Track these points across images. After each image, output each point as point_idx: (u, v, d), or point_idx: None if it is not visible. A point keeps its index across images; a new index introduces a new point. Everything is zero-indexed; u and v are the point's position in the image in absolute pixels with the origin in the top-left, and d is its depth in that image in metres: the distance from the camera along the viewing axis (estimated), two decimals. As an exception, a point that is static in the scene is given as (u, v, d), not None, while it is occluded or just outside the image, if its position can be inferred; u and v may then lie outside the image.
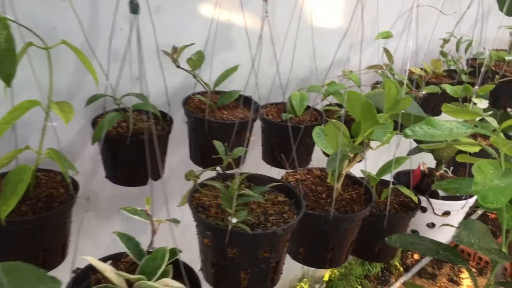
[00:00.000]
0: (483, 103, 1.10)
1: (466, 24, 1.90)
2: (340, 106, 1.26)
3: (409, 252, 2.20)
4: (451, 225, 1.02)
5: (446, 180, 0.73)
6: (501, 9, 1.43)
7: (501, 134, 0.65)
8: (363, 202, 0.78)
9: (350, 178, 0.84)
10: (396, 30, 1.62)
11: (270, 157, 1.07)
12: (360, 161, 0.80)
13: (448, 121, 0.62)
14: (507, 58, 1.20)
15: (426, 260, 2.21)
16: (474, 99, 1.11)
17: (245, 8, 1.17)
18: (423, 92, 1.33)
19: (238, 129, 0.91)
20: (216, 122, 0.86)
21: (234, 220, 0.55)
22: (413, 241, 0.71)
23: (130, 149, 0.75)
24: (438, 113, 1.50)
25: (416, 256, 2.24)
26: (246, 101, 0.99)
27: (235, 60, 1.13)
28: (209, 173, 0.73)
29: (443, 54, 1.66)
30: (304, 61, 1.39)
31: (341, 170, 0.76)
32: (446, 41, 1.65)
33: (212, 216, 0.61)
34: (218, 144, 0.70)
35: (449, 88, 1.15)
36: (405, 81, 1.34)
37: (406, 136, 0.61)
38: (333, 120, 0.84)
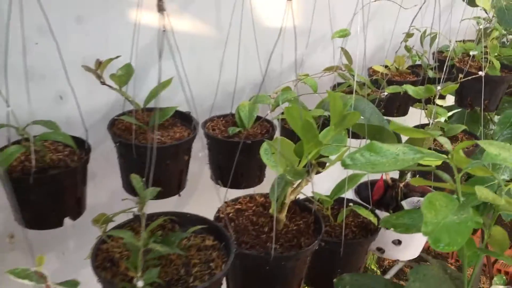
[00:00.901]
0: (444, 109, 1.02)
1: (431, 16, 1.83)
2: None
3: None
4: (418, 242, 0.93)
5: (395, 214, 0.63)
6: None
7: (460, 153, 0.55)
8: (312, 233, 0.68)
9: (298, 204, 0.74)
10: (356, 27, 1.53)
11: (219, 177, 0.97)
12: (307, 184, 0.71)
13: (394, 145, 0.52)
14: (471, 52, 1.12)
15: (404, 261, 2.14)
16: (437, 100, 1.02)
17: (185, 12, 1.06)
18: (386, 93, 1.24)
19: (174, 151, 0.81)
20: (144, 146, 0.75)
21: (140, 284, 0.45)
22: (365, 283, 0.61)
23: (36, 187, 0.64)
24: (405, 113, 1.41)
25: (393, 257, 2.17)
26: (185, 117, 0.88)
27: (175, 70, 1.03)
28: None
29: (407, 49, 1.57)
30: (258, 65, 1.29)
31: (283, 198, 0.66)
32: (409, 35, 1.56)
33: (122, 274, 0.51)
34: (135, 180, 0.59)
35: (411, 89, 1.06)
36: (366, 81, 1.26)
37: (345, 165, 0.51)
38: (278, 137, 0.74)
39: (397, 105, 1.38)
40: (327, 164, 0.72)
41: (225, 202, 0.72)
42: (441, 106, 1.02)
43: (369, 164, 0.50)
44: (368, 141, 0.98)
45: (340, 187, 0.81)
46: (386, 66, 1.44)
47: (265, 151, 0.79)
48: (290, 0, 0.70)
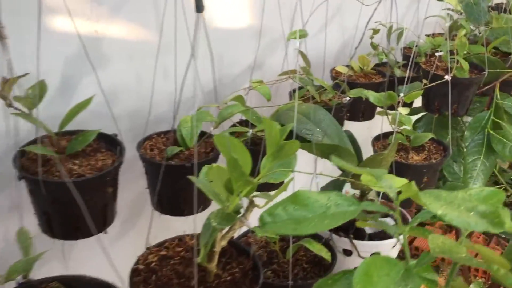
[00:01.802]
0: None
1: (400, 9, 1.73)
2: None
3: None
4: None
5: (331, 277, 0.53)
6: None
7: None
8: (249, 284, 0.57)
9: (235, 245, 0.64)
10: (318, 26, 1.43)
11: (158, 203, 0.86)
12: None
13: (327, 194, 0.42)
14: (437, 53, 1.02)
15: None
16: (400, 109, 0.92)
17: (118, 15, 0.94)
18: (348, 98, 1.14)
19: (94, 184, 0.69)
20: (54, 182, 0.64)
21: None
22: None
23: None
24: (371, 117, 1.32)
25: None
26: (112, 141, 0.77)
27: (110, 82, 0.92)
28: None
29: (373, 46, 1.48)
30: (209, 70, 1.18)
31: (213, 245, 0.55)
32: (375, 31, 1.47)
33: None
34: (22, 236, 0.48)
35: (372, 96, 0.96)
36: (326, 86, 1.15)
37: (262, 225, 0.41)
38: (214, 165, 0.64)
39: (362, 109, 1.28)
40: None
41: (147, 249, 0.61)
42: (405, 113, 0.92)
43: (291, 222, 0.40)
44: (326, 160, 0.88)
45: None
46: (349, 67, 1.34)
47: (204, 177, 0.68)
48: None
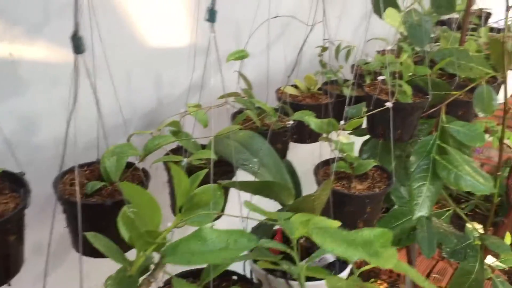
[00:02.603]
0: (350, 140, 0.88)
1: (349, 27, 1.71)
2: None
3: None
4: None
5: None
6: (376, 11, 1.22)
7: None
8: None
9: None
10: (266, 44, 1.39)
11: (80, 245, 0.78)
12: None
13: (229, 232, 0.45)
14: (379, 78, 0.98)
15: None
16: (340, 138, 0.88)
17: (38, 35, 0.87)
18: (291, 122, 1.09)
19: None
20: None
21: None
22: None
23: None
24: (317, 139, 1.27)
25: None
26: (17, 181, 0.69)
27: (29, 108, 0.85)
28: None
29: (321, 64, 1.44)
30: (149, 91, 1.11)
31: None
32: (324, 49, 1.43)
33: None
34: None
35: (313, 123, 0.91)
36: (268, 109, 1.10)
37: (163, 255, 0.38)
38: (125, 209, 0.57)
39: (309, 131, 1.24)
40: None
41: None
42: (346, 141, 0.88)
43: (188, 255, 0.44)
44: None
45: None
46: (296, 87, 1.30)
47: (123, 218, 0.61)
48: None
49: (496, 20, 2.17)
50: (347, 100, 1.07)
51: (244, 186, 0.71)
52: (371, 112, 0.94)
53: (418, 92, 1.07)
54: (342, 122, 0.90)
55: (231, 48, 1.06)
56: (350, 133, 1.28)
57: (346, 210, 0.92)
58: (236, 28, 1.27)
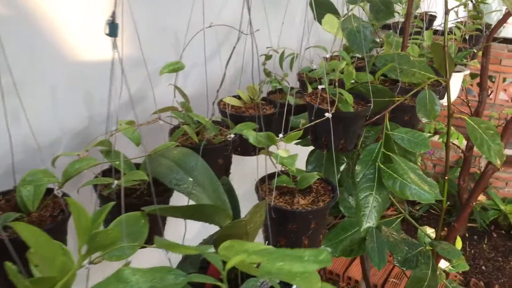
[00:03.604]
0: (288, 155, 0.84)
1: (293, 34, 1.68)
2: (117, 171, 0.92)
3: None
4: None
5: None
6: (316, 18, 1.19)
7: None
8: None
9: None
10: (207, 53, 1.33)
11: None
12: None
13: (153, 270, 0.41)
14: (320, 86, 0.95)
15: None
16: (279, 151, 0.84)
17: None
18: (232, 135, 1.04)
19: None
20: None
21: None
22: None
23: None
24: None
25: None
26: None
27: None
28: None
29: (266, 72, 1.40)
30: (79, 108, 1.03)
31: None
32: (268, 57, 1.39)
33: None
34: None
35: (251, 137, 0.87)
36: (206, 122, 1.05)
37: None
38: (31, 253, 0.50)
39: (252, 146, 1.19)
40: None
41: None
42: (286, 155, 0.84)
43: None
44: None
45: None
46: (238, 97, 1.25)
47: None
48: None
49: (441, 23, 2.21)
50: (292, 110, 1.03)
51: (169, 211, 0.65)
52: (310, 123, 0.90)
53: (361, 100, 1.04)
54: (280, 135, 0.86)
55: (171, 59, 1.01)
56: (296, 143, 1.25)
57: (290, 227, 0.87)
58: (175, 38, 1.22)
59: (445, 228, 2.68)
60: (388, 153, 1.04)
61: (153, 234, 0.96)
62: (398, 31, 2.06)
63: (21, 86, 0.87)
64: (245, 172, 1.21)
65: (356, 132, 1.00)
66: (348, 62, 1.03)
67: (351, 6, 1.08)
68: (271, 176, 0.91)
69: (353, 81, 1.09)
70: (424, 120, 1.09)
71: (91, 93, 1.05)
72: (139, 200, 0.89)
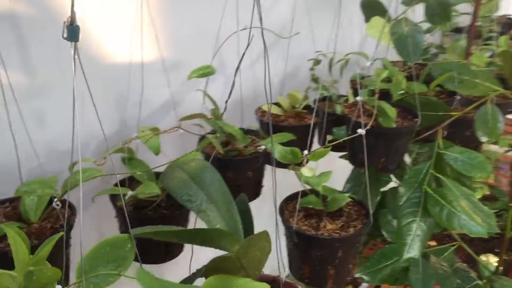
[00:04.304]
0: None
1: (348, 37, 1.57)
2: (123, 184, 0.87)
3: None
4: None
5: None
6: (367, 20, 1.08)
7: None
8: None
9: None
10: (255, 56, 1.27)
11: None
12: None
13: None
14: (357, 98, 0.85)
15: None
16: (303, 170, 0.75)
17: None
18: (262, 147, 0.96)
19: None
20: None
21: None
22: None
23: None
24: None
25: None
26: None
27: None
28: None
29: (313, 78, 1.31)
30: (110, 112, 1.00)
31: None
32: (317, 62, 1.30)
33: None
34: None
35: (277, 151, 0.79)
36: (237, 133, 0.98)
37: None
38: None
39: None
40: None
41: None
42: (310, 174, 0.75)
43: None
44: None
45: None
46: (279, 105, 1.17)
47: None
48: None
49: (523, 27, 1.98)
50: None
51: (164, 235, 0.59)
52: (344, 139, 0.81)
53: (408, 114, 0.93)
54: (306, 151, 0.77)
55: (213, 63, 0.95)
56: (341, 157, 1.15)
57: (314, 254, 0.78)
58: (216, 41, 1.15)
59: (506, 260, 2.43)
60: (438, 175, 0.91)
61: (173, 251, 0.91)
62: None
63: (48, 89, 0.85)
64: (283, 186, 1.13)
65: (399, 150, 0.89)
66: (392, 72, 0.92)
67: (404, 8, 0.97)
68: (294, 196, 0.82)
69: (403, 91, 0.97)
70: (484, 139, 0.95)
71: (124, 95, 1.02)
72: (155, 213, 0.84)
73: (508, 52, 1.02)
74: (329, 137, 0.95)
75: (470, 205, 0.88)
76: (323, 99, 1.31)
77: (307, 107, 1.20)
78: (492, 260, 1.38)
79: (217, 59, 1.17)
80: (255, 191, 1.03)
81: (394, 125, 0.84)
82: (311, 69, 1.30)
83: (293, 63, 1.48)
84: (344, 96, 1.29)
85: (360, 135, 0.81)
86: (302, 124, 1.11)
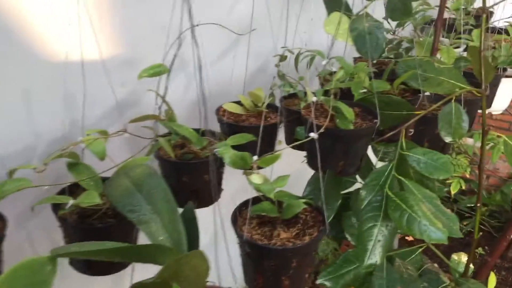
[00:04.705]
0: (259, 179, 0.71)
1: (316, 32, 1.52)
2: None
3: None
4: None
5: None
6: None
7: None
8: None
9: None
10: (222, 50, 1.22)
11: None
12: None
13: None
14: (313, 98, 0.80)
15: None
16: (251, 177, 0.71)
17: None
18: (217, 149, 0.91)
19: None
20: None
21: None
22: None
23: None
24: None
25: None
26: None
27: None
28: None
29: (279, 75, 1.26)
30: (56, 113, 0.95)
31: None
32: (283, 57, 1.26)
33: None
34: None
35: (227, 157, 0.74)
36: (191, 135, 0.93)
37: None
38: None
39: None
40: None
41: None
42: (260, 182, 0.70)
43: None
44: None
45: None
46: (240, 104, 1.12)
47: None
48: None
49: (499, 19, 1.96)
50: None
51: (90, 254, 0.54)
52: (300, 141, 0.76)
53: (369, 114, 0.89)
54: (255, 157, 0.72)
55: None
56: (303, 161, 1.10)
57: (267, 264, 0.74)
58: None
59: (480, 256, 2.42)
60: (400, 177, 0.88)
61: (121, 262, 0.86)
62: (445, 29, 1.85)
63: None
64: (241, 189, 1.08)
65: (358, 152, 0.85)
66: (347, 73, 0.87)
67: (367, 2, 0.93)
68: (244, 204, 0.78)
69: (365, 90, 0.93)
70: (447, 139, 0.91)
71: (73, 96, 0.96)
72: (101, 221, 0.80)
73: (476, 48, 0.98)
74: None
75: (433, 209, 0.85)
76: (289, 96, 1.28)
77: (271, 106, 1.16)
78: (464, 260, 1.36)
79: (178, 56, 1.12)
80: (213, 195, 0.99)
81: (351, 127, 0.80)
82: (277, 65, 1.26)
83: (263, 58, 1.44)
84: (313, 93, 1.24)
85: (319, 139, 0.77)
86: (264, 124, 1.07)
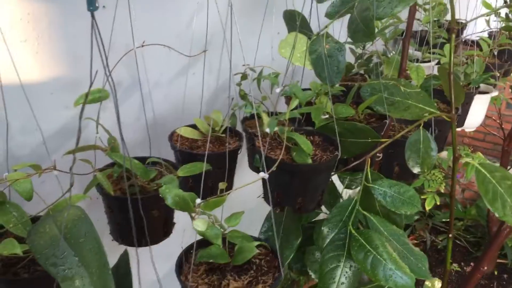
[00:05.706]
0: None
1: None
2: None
3: None
4: None
5: None
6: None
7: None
8: None
9: None
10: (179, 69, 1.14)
11: None
12: None
13: None
14: (267, 130, 0.72)
15: None
16: (194, 223, 0.62)
17: None
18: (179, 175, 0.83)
19: None
20: None
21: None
22: None
23: None
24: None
25: None
26: None
27: None
28: None
29: (241, 95, 1.19)
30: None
31: None
32: (244, 76, 1.18)
33: None
34: None
35: (170, 197, 0.66)
36: (136, 166, 0.84)
37: None
38: None
39: (210, 184, 0.98)
40: None
41: None
42: (203, 228, 0.62)
43: None
44: None
45: None
46: (195, 127, 1.04)
47: None
48: None
49: (472, 32, 1.91)
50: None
51: None
52: (250, 183, 0.68)
53: (330, 144, 0.81)
54: (198, 200, 0.64)
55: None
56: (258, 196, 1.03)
57: (214, 319, 0.66)
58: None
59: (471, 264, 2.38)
60: (365, 212, 0.80)
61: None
62: (417, 42, 1.80)
63: None
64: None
65: (318, 188, 0.77)
66: (301, 102, 0.80)
67: (327, 22, 0.85)
68: (191, 248, 0.70)
69: (327, 116, 0.86)
70: (415, 170, 0.84)
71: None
72: (28, 271, 0.70)
73: (444, 68, 0.92)
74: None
75: (400, 247, 0.78)
76: (252, 116, 1.20)
77: (232, 129, 1.08)
78: (437, 286, 1.30)
79: (130, 75, 1.04)
80: (163, 231, 0.90)
81: (309, 161, 0.73)
82: (238, 84, 1.18)
83: (225, 77, 1.36)
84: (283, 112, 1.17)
85: (275, 173, 0.69)
86: (222, 151, 0.99)
